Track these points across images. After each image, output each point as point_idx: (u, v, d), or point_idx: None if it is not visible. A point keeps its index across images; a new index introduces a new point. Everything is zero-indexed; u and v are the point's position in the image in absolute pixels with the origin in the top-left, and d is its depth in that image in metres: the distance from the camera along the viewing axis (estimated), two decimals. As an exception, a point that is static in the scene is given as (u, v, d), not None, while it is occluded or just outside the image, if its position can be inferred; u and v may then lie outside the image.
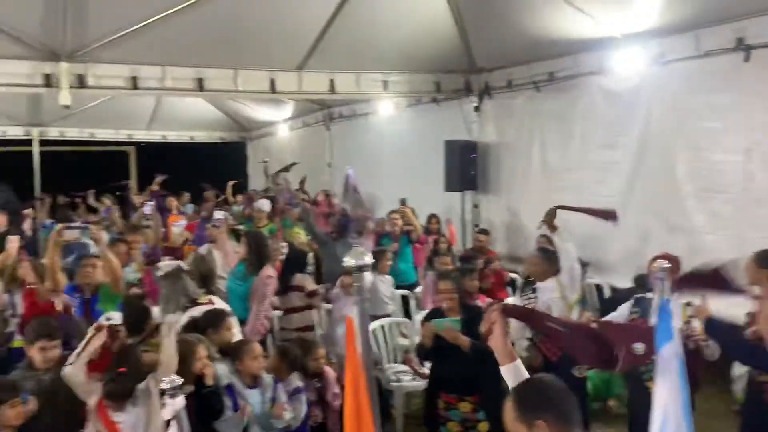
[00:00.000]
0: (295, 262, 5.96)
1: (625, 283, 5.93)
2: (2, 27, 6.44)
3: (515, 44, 7.61)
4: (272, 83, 8.02)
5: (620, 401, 5.53)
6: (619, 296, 5.43)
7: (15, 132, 13.59)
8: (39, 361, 3.92)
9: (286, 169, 10.29)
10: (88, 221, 8.53)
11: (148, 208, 8.88)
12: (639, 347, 4.17)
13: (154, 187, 10.55)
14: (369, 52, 8.08)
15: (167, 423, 1.93)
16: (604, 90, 7.06)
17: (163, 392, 1.96)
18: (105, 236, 5.54)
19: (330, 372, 4.67)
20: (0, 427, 3.41)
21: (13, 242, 5.19)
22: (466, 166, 8.68)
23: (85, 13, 6.51)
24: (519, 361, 2.40)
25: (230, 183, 12.47)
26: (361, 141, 11.37)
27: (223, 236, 6.72)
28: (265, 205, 8.43)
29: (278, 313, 5.94)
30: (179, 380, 2.10)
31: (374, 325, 5.69)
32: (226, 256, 6.39)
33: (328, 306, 6.30)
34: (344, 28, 7.53)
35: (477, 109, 8.91)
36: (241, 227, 8.44)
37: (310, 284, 5.79)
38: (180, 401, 1.90)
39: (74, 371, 3.48)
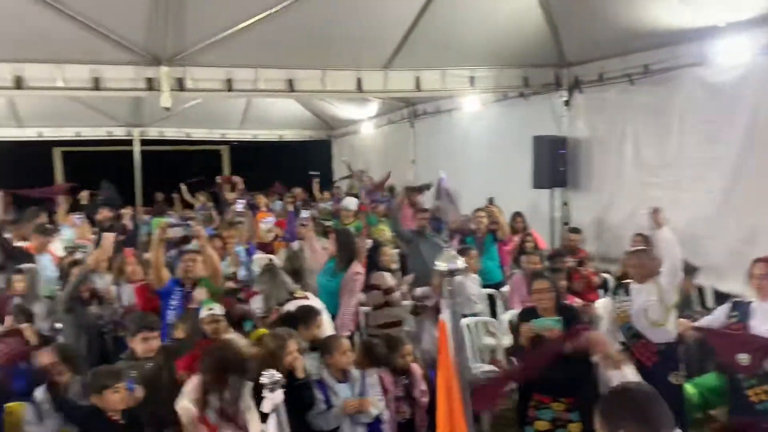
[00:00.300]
0: (372, 259, 6.05)
1: (729, 286, 5.63)
2: (110, 35, 6.86)
3: (607, 36, 7.35)
4: (359, 82, 8.13)
5: (724, 411, 5.25)
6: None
7: (118, 132, 14.44)
8: (141, 350, 4.17)
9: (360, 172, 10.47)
10: (185, 217, 8.95)
11: (240, 205, 9.26)
12: (743, 357, 3.97)
13: (240, 186, 10.95)
14: (455, 48, 8.03)
15: (266, 416, 2.00)
16: (704, 82, 6.69)
17: (262, 386, 2.04)
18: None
19: (417, 369, 4.69)
20: (106, 411, 3.66)
21: (109, 239, 5.51)
22: (555, 163, 8.47)
23: (184, 20, 6.84)
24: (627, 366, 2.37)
25: (316, 180, 12.77)
26: (445, 137, 11.34)
27: (310, 234, 6.89)
28: (351, 202, 8.59)
29: (366, 308, 6.04)
30: (278, 375, 2.18)
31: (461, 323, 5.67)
32: (313, 252, 6.55)
33: (407, 303, 6.37)
34: (430, 25, 7.53)
35: (566, 103, 8.67)
36: (328, 224, 8.62)
37: (388, 281, 5.83)
38: (279, 395, 1.98)
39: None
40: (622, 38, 7.17)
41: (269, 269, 5.14)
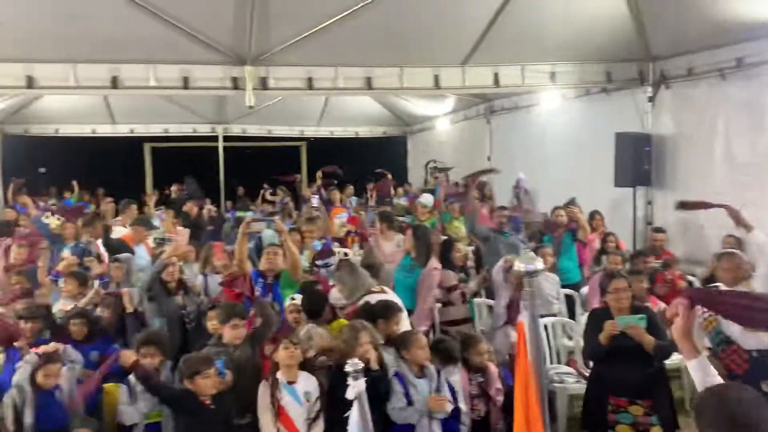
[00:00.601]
0: (444, 256, 6.05)
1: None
2: (199, 36, 7.20)
3: (697, 29, 7.06)
4: (436, 79, 8.16)
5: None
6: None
7: (203, 129, 15.09)
8: (230, 337, 4.36)
9: (446, 168, 10.44)
10: (270, 212, 9.26)
11: (315, 200, 9.48)
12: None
13: (320, 175, 11.17)
14: (535, 43, 7.92)
15: (350, 403, 2.09)
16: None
17: (347, 374, 2.12)
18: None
19: (493, 367, 4.68)
20: (198, 395, 3.86)
21: (183, 234, 5.76)
22: (638, 160, 8.18)
23: (267, 21, 7.09)
24: (704, 356, 2.28)
25: (389, 176, 12.88)
26: (523, 134, 11.18)
27: (376, 232, 7.00)
28: (428, 199, 8.63)
29: (438, 305, 6.06)
30: (361, 363, 2.25)
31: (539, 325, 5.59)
32: (378, 251, 6.59)
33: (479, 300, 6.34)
34: (510, 21, 7.45)
35: (651, 99, 8.36)
36: (403, 220, 8.70)
37: (451, 280, 5.83)
38: (362, 383, 2.05)
39: None
40: (713, 31, 6.87)
41: (347, 263, 5.25)
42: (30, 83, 7.16)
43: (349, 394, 2.07)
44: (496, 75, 8.27)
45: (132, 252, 6.50)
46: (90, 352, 4.56)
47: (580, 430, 5.06)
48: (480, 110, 12.48)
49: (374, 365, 4.01)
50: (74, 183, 12.68)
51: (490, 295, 6.14)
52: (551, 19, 7.46)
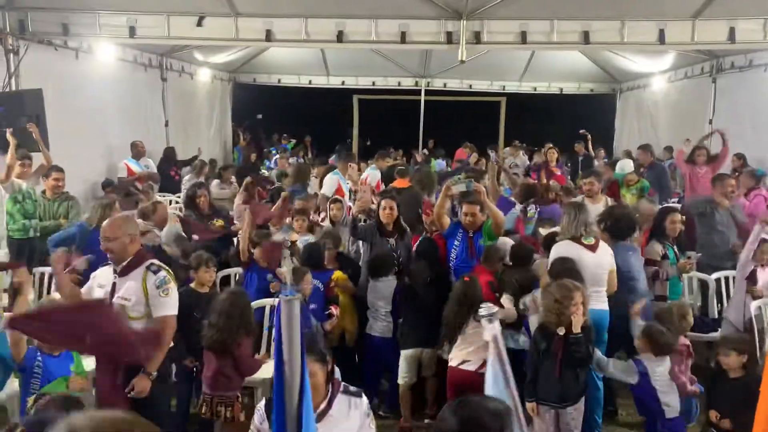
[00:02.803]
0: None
1: None
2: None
3: None
4: (661, 34, 7.60)
5: None
6: None
7: (407, 83, 15.56)
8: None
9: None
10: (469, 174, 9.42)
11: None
12: None
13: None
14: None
15: (486, 344, 2.16)
16: None
17: (482, 317, 2.18)
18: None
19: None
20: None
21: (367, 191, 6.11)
22: None
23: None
24: None
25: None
26: (754, 96, 9.97)
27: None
28: (627, 164, 8.12)
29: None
30: (495, 308, 2.33)
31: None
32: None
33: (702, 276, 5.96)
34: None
35: None
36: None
37: (657, 252, 5.53)
38: (497, 326, 2.09)
39: None
40: None
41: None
42: (268, 36, 7.94)
43: (486, 335, 2.11)
44: (732, 30, 7.48)
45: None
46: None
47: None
48: (705, 68, 11.34)
49: (576, 329, 4.02)
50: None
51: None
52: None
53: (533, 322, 4.58)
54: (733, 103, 10.60)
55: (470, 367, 4.37)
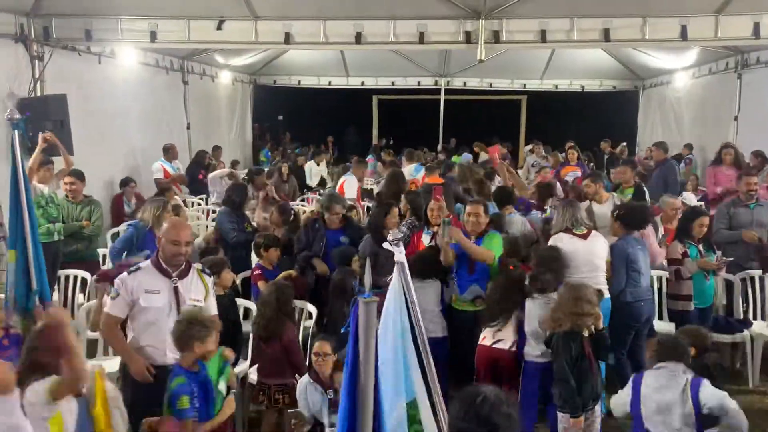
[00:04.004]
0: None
1: None
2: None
3: None
4: (683, 30, 7.46)
5: None
6: None
7: (426, 82, 15.52)
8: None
9: None
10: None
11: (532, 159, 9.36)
12: None
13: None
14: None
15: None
16: None
17: (390, 242, 2.06)
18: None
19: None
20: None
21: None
22: None
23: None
24: None
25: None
26: (782, 91, 9.79)
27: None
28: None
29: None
30: (400, 234, 2.28)
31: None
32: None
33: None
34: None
35: None
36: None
37: (677, 251, 5.47)
38: (402, 249, 1.97)
39: None
40: None
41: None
42: (287, 39, 7.98)
43: (398, 257, 2.00)
44: (756, 25, 7.32)
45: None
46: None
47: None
48: (729, 63, 11.13)
49: (599, 325, 4.06)
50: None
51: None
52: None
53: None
54: (759, 99, 10.38)
55: (503, 345, 4.48)
